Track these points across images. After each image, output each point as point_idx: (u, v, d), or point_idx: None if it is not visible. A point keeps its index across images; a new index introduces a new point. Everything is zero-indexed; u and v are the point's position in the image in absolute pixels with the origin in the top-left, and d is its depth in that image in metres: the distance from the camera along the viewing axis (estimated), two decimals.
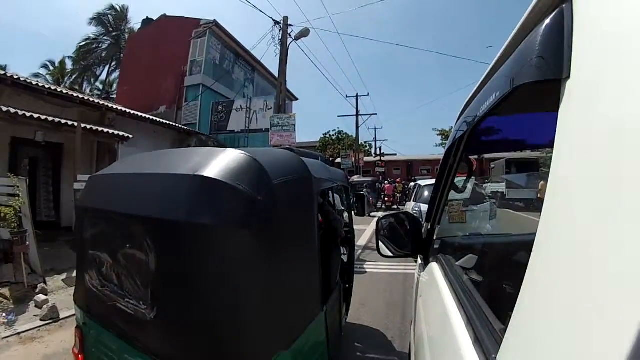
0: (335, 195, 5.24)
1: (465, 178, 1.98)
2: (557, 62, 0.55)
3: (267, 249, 1.54)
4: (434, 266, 1.64)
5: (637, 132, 0.35)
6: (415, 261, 2.13)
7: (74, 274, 2.46)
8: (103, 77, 32.53)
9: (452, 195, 2.07)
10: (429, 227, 1.92)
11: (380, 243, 1.98)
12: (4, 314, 4.75)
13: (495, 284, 1.42)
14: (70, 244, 7.70)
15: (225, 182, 1.46)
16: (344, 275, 3.60)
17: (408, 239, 1.92)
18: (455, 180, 1.75)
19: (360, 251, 8.34)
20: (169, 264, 1.55)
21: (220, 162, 1.56)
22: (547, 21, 0.62)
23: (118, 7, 30.50)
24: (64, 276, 6.39)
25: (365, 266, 7.45)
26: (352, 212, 4.25)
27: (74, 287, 2.29)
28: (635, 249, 0.31)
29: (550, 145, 0.54)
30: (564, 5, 0.58)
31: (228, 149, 1.69)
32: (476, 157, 1.97)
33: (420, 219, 2.00)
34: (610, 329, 0.32)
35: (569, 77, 0.52)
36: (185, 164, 1.65)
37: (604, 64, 0.45)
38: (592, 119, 0.46)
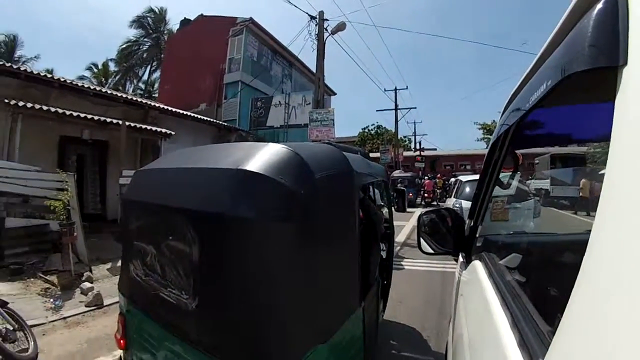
0: (375, 190, 5.20)
1: (510, 173, 1.90)
2: (612, 48, 0.51)
3: (308, 242, 1.55)
4: (477, 264, 1.59)
5: None
6: (456, 260, 2.08)
7: (119, 264, 2.57)
8: (145, 77, 34.23)
9: (496, 191, 2.01)
10: (472, 224, 1.86)
11: (422, 239, 1.94)
12: (51, 300, 5.05)
13: (541, 284, 1.36)
14: (115, 235, 8.09)
15: (268, 176, 1.47)
16: (383, 271, 3.57)
17: (450, 236, 1.88)
18: (500, 176, 1.69)
19: (398, 247, 8.26)
20: (211, 256, 1.58)
21: (263, 156, 1.57)
22: (600, 5, 0.58)
23: (157, 9, 31.98)
24: (108, 265, 6.75)
25: (403, 263, 7.38)
26: (392, 208, 4.20)
27: (118, 276, 2.38)
28: None
29: (600, 139, 0.51)
30: None
31: (270, 143, 1.69)
32: (522, 151, 1.89)
33: (461, 216, 1.95)
34: None
35: (626, 63, 0.48)
36: (228, 158, 1.67)
37: None
38: None
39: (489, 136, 40.31)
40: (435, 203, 20.09)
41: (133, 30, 32.06)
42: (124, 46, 31.96)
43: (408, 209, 14.79)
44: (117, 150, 9.43)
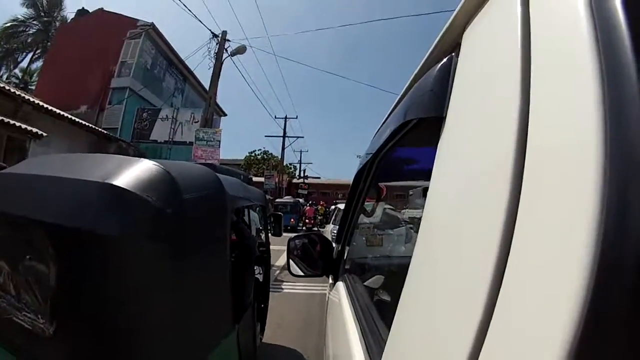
0: (255, 214, 5.22)
1: (373, 203, 2.08)
2: (440, 103, 0.62)
3: (173, 264, 1.52)
4: (340, 285, 1.71)
5: (472, 166, 0.44)
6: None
7: None
8: (24, 64, 29.33)
9: (363, 218, 2.17)
10: (339, 248, 2.00)
11: (291, 262, 2.02)
12: None
13: (393, 299, 1.51)
14: None
15: (133, 192, 1.43)
16: (259, 294, 3.59)
17: (319, 259, 1.98)
18: (365, 205, 1.85)
19: (277, 271, 8.31)
20: (70, 276, 1.47)
21: (132, 172, 1.53)
22: (439, 65, 0.69)
23: None
24: None
25: (283, 286, 7.44)
26: (269, 232, 4.27)
27: None
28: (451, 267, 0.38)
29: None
30: (452, 54, 0.65)
31: (142, 159, 1.65)
32: (385, 184, 2.08)
33: (338, 243, 2.07)
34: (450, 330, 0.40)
35: (446, 116, 0.59)
36: (96, 171, 1.59)
37: (463, 106, 0.55)
38: (451, 154, 0.54)
39: None
40: (315, 229, 20.63)
41: (24, 9, 26.98)
42: (8, 25, 26.71)
43: (289, 234, 14.91)
44: None
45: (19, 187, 1.84)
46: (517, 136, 0.36)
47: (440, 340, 0.44)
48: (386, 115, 1.32)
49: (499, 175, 0.37)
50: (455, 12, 0.62)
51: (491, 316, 0.33)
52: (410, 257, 0.61)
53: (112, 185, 1.44)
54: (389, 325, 0.67)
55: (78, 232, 1.42)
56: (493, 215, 0.36)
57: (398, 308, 0.64)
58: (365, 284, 1.78)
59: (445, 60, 0.67)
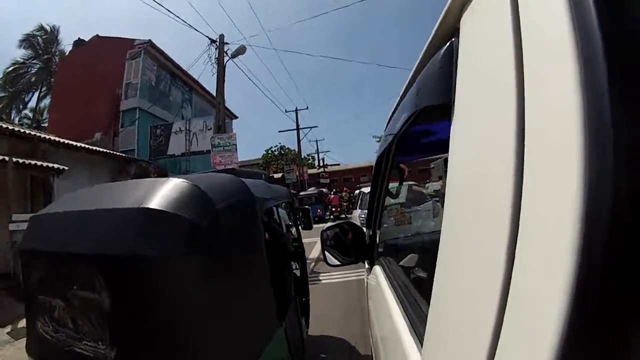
0: (283, 211, 5.28)
1: (397, 184, 2.10)
2: (446, 91, 0.63)
3: (216, 273, 1.58)
4: (377, 269, 1.75)
5: (488, 148, 0.47)
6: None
7: (21, 325, 2.30)
8: (32, 104, 29.94)
9: (389, 200, 2.20)
10: (370, 233, 2.03)
11: (327, 253, 2.06)
12: None
13: (430, 277, 1.54)
14: (10, 291, 7.14)
15: (169, 212, 1.48)
16: (299, 289, 3.65)
17: (352, 246, 2.02)
18: (389, 187, 1.88)
19: (313, 264, 8.40)
20: (121, 300, 1.54)
21: (163, 192, 1.58)
22: (441, 52, 0.70)
23: (48, 28, 28.10)
24: (8, 329, 5.73)
25: (320, 277, 7.53)
26: (300, 227, 4.32)
27: (23, 339, 2.18)
28: (494, 244, 0.41)
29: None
30: (452, 40, 0.66)
31: (170, 178, 1.71)
32: (406, 164, 2.10)
33: (360, 226, 2.10)
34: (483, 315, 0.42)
35: (454, 103, 0.61)
36: (128, 197, 1.66)
37: (469, 93, 0.57)
38: (466, 136, 0.57)
39: None
40: (343, 216, 20.62)
41: (22, 50, 27.72)
42: (10, 69, 27.44)
43: (318, 225, 15.01)
44: (4, 191, 8.18)
45: (57, 226, 1.92)
46: (515, 120, 0.39)
47: (469, 311, 0.48)
48: (397, 101, 1.33)
49: (502, 158, 0.40)
50: None
51: (509, 286, 0.37)
52: (439, 231, 0.64)
53: (147, 208, 1.50)
54: (429, 301, 0.70)
55: (121, 258, 1.49)
56: (502, 195, 0.39)
57: (434, 284, 0.67)
58: (400, 264, 1.81)
59: (446, 46, 0.68)
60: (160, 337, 1.50)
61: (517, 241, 0.36)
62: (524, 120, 0.37)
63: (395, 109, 1.36)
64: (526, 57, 0.39)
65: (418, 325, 0.88)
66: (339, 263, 2.01)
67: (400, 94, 1.25)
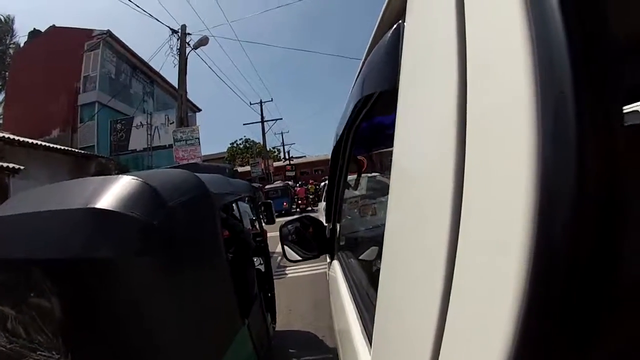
0: (246, 205, 5.22)
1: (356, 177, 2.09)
2: (392, 75, 0.61)
3: (171, 273, 1.53)
4: (335, 263, 1.74)
5: (429, 135, 0.44)
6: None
7: None
8: None
9: (352, 193, 2.18)
10: (330, 226, 2.01)
11: (287, 248, 2.03)
12: None
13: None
14: None
15: (118, 212, 1.42)
16: (263, 285, 3.62)
17: (313, 241, 2.00)
18: (348, 179, 1.86)
19: (279, 258, 8.36)
20: (75, 306, 1.48)
21: (112, 191, 1.52)
22: (388, 35, 0.67)
23: (2, 18, 26.48)
24: None
25: (286, 271, 7.50)
26: (262, 221, 4.28)
27: None
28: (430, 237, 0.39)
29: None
30: (400, 22, 0.63)
31: (120, 175, 1.63)
32: (364, 156, 2.09)
33: (320, 220, 2.09)
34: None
35: (398, 88, 0.59)
36: (77, 197, 1.58)
37: (412, 77, 0.54)
38: (408, 123, 0.55)
39: None
40: (309, 208, 20.68)
41: None
42: None
43: (285, 218, 15.07)
44: None
45: (6, 230, 1.82)
46: (456, 109, 0.36)
47: (412, 310, 0.46)
48: (351, 87, 1.31)
49: (444, 145, 0.38)
50: None
51: (452, 277, 0.35)
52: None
53: (95, 208, 1.44)
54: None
55: (71, 262, 1.42)
56: (443, 184, 0.37)
57: (379, 280, 0.65)
58: (360, 257, 1.80)
59: (393, 28, 0.65)
60: (114, 343, 1.45)
61: (459, 238, 0.34)
62: (466, 110, 0.35)
63: (349, 96, 1.33)
64: (470, 40, 0.36)
65: (368, 323, 0.86)
66: (299, 258, 1.99)
67: (354, 80, 1.22)
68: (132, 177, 1.61)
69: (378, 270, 1.54)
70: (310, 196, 22.27)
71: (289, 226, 2.06)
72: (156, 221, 1.49)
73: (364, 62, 0.97)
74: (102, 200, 1.47)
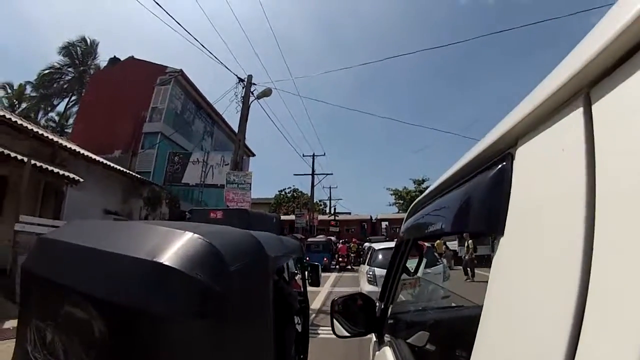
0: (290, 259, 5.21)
1: (417, 260, 2.08)
2: (499, 220, 0.62)
3: (221, 337, 1.54)
4: (386, 348, 1.70)
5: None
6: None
7: (6, 325, 2.24)
8: (60, 108, 31.44)
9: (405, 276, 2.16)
10: (382, 306, 1.99)
11: (336, 322, 2.01)
12: None
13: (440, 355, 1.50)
14: (3, 290, 7.04)
15: (183, 272, 1.45)
16: (299, 345, 3.56)
17: (362, 317, 1.98)
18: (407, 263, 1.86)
19: (314, 315, 8.21)
20: (121, 349, 1.51)
21: (178, 247, 1.56)
22: (491, 174, 0.70)
23: (89, 40, 30.08)
24: None
25: (319, 331, 7.33)
26: (307, 282, 4.26)
27: (5, 341, 2.13)
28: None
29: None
30: (505, 164, 0.66)
31: (185, 231, 1.69)
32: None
33: (375, 283, 2.07)
34: None
35: (502, 234, 0.60)
36: (142, 245, 1.64)
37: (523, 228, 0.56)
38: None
39: (400, 201, 42.65)
40: (349, 267, 20.36)
41: (60, 57, 29.42)
42: (46, 72, 29.26)
43: (325, 273, 14.95)
44: (17, 190, 8.45)
45: (65, 256, 1.91)
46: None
47: None
48: (428, 191, 1.35)
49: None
50: (507, 123, 0.64)
51: None
52: (453, 307, 0.63)
53: (160, 264, 1.48)
54: None
55: (127, 309, 1.46)
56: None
57: None
58: (408, 341, 1.77)
59: (499, 168, 0.68)
60: None
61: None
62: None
63: (431, 196, 1.36)
64: (599, 209, 0.38)
65: None
66: (347, 334, 1.97)
67: (434, 187, 1.25)
68: (199, 236, 1.65)
69: (428, 352, 1.51)
70: (352, 254, 21.97)
71: (340, 300, 2.06)
72: (218, 286, 1.51)
73: (455, 179, 0.99)
74: (167, 256, 1.51)
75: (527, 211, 0.56)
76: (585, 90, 0.44)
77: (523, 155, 0.60)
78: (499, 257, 0.61)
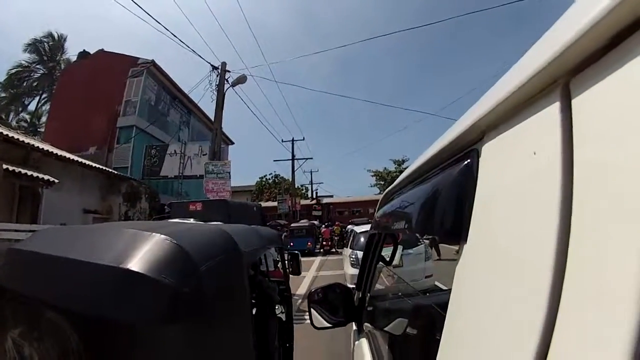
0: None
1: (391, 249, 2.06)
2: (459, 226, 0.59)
3: (195, 340, 1.50)
4: (363, 342, 1.69)
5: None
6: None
7: None
8: (32, 107, 30.64)
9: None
10: (360, 294, 1.97)
11: (314, 312, 2.00)
12: None
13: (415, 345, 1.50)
14: None
15: (150, 276, 1.40)
16: (283, 334, 3.55)
17: (340, 307, 1.96)
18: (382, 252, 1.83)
19: (299, 300, 8.24)
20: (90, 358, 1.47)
21: (145, 251, 1.50)
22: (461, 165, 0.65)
23: (56, 35, 29.11)
24: None
25: (306, 316, 7.34)
26: (287, 270, 4.24)
27: None
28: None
29: None
30: (469, 161, 0.61)
31: (153, 233, 1.63)
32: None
33: (357, 266, 2.07)
34: None
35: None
36: (109, 250, 1.58)
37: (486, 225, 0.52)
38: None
39: (381, 182, 43.05)
40: (333, 250, 20.50)
41: (27, 54, 28.47)
42: (13, 71, 28.19)
43: (309, 258, 15.00)
44: None
45: (35, 267, 1.84)
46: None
47: None
48: (400, 181, 1.31)
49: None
50: (473, 114, 0.58)
51: None
52: (435, 291, 0.62)
53: (125, 269, 1.43)
54: None
55: (95, 319, 1.41)
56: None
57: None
58: (386, 329, 1.77)
59: (463, 165, 0.63)
60: None
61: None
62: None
63: (399, 189, 1.33)
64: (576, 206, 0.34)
65: None
66: (326, 325, 1.96)
67: (404, 175, 1.22)
68: (165, 237, 1.60)
69: (403, 341, 1.51)
70: (336, 237, 22.09)
71: (319, 291, 2.04)
72: (186, 287, 1.46)
73: (422, 170, 0.94)
74: (133, 261, 1.46)
75: (491, 217, 0.51)
76: (564, 79, 0.38)
77: (489, 152, 0.54)
78: (460, 269, 0.58)
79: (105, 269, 1.49)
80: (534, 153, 0.41)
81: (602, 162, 0.31)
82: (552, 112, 0.38)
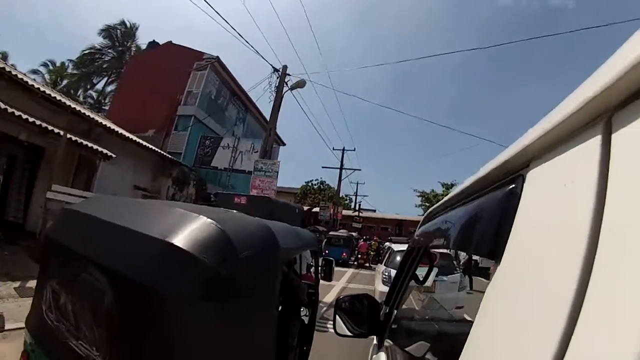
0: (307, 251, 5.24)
1: (427, 270, 2.04)
2: (497, 246, 0.60)
3: (222, 321, 1.56)
4: (382, 353, 1.68)
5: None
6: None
7: (29, 284, 2.33)
8: (99, 86, 33.18)
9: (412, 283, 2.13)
10: (387, 310, 1.96)
11: (338, 320, 2.01)
12: None
13: None
14: (30, 251, 7.48)
15: (192, 253, 1.48)
16: (303, 337, 3.56)
17: (365, 319, 1.96)
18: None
19: (325, 308, 8.22)
20: (128, 322, 1.55)
21: (190, 230, 1.59)
22: (500, 195, 0.67)
23: (129, 23, 31.81)
24: (17, 284, 6.00)
25: (328, 325, 7.31)
26: (320, 275, 4.26)
27: (25, 299, 2.24)
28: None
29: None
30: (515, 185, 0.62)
31: (200, 215, 1.70)
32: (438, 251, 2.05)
33: (389, 284, 2.05)
34: None
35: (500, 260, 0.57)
36: (157, 224, 1.67)
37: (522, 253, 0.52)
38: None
39: (426, 204, 42.20)
40: (367, 265, 20.30)
41: (100, 39, 31.43)
42: (86, 51, 31.26)
43: (342, 268, 14.91)
44: (52, 161, 8.79)
45: (86, 228, 1.97)
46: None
47: None
48: (441, 202, 1.31)
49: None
50: (519, 144, 0.59)
51: None
52: (459, 321, 0.62)
53: (171, 244, 1.50)
54: None
55: (134, 284, 1.49)
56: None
57: None
58: (407, 349, 1.75)
59: (509, 189, 0.64)
60: None
61: None
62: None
63: (442, 208, 1.32)
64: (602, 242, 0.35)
65: None
66: (348, 334, 1.96)
67: (449, 196, 1.21)
68: (212, 221, 1.67)
69: None
70: (372, 253, 21.87)
71: (346, 299, 2.04)
72: (224, 271, 1.52)
73: (467, 193, 0.95)
74: (179, 237, 1.53)
75: (526, 241, 0.52)
76: (607, 115, 0.39)
77: (534, 178, 0.56)
78: (489, 290, 0.58)
79: (152, 240, 1.58)
80: (573, 182, 0.42)
81: (635, 196, 0.32)
82: (592, 144, 0.40)
